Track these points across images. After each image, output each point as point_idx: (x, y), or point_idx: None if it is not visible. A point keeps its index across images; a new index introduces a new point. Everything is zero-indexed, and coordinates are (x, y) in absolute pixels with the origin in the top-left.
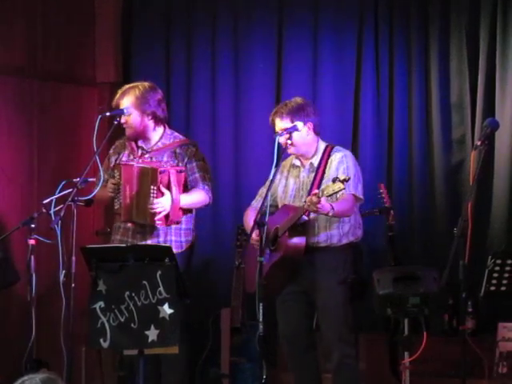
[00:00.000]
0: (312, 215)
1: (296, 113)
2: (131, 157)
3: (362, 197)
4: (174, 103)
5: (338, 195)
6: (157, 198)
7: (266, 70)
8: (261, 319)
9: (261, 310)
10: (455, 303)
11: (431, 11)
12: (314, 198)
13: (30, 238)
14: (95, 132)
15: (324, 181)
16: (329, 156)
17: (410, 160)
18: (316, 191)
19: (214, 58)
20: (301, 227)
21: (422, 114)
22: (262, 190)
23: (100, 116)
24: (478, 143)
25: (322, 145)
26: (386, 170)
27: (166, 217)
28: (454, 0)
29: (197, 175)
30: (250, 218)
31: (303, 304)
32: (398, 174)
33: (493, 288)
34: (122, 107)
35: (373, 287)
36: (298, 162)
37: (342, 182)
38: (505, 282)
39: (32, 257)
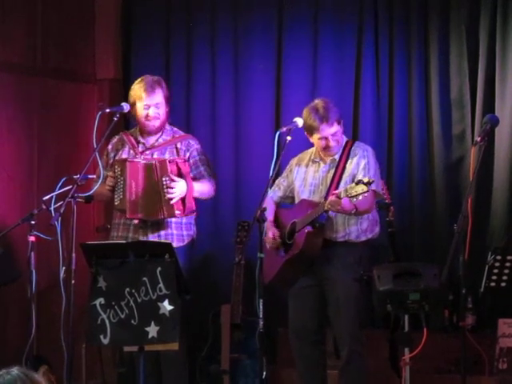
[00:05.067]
0: (331, 213)
1: (339, 117)
2: (132, 152)
3: (382, 192)
4: (174, 100)
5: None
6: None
7: (266, 66)
8: (261, 315)
9: (261, 307)
10: (455, 299)
11: (431, 8)
12: (335, 199)
13: (30, 235)
14: (95, 128)
15: (344, 176)
16: (349, 151)
17: (410, 156)
18: (336, 191)
19: (214, 55)
20: (319, 225)
21: (421, 111)
22: (279, 181)
23: (100, 112)
24: (478, 139)
25: (344, 139)
26: (385, 166)
27: (184, 206)
28: None
29: (201, 169)
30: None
31: (316, 298)
32: (398, 170)
33: (493, 284)
34: (156, 102)
35: (373, 283)
36: (317, 158)
37: (366, 184)
38: (505, 277)
39: (32, 253)
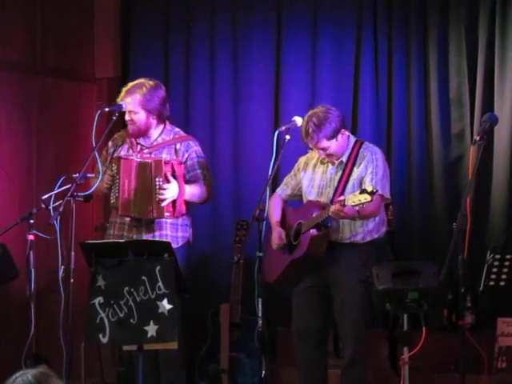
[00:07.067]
0: None
1: (331, 133)
2: (130, 152)
3: (389, 197)
4: (172, 99)
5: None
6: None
7: (266, 65)
8: (260, 314)
9: (260, 306)
10: (454, 298)
11: (430, 6)
12: (339, 207)
13: (29, 234)
14: (94, 127)
15: (351, 178)
16: (357, 153)
17: (409, 155)
18: (340, 198)
19: (213, 54)
20: (324, 229)
21: (420, 109)
22: (287, 179)
23: (99, 111)
24: (477, 138)
25: (352, 140)
26: None
27: (174, 208)
28: None
29: (198, 171)
30: (273, 205)
31: (320, 298)
32: (397, 169)
33: (492, 283)
34: (129, 108)
35: (372, 282)
36: (325, 159)
37: (370, 193)
38: (504, 276)
39: (31, 252)
